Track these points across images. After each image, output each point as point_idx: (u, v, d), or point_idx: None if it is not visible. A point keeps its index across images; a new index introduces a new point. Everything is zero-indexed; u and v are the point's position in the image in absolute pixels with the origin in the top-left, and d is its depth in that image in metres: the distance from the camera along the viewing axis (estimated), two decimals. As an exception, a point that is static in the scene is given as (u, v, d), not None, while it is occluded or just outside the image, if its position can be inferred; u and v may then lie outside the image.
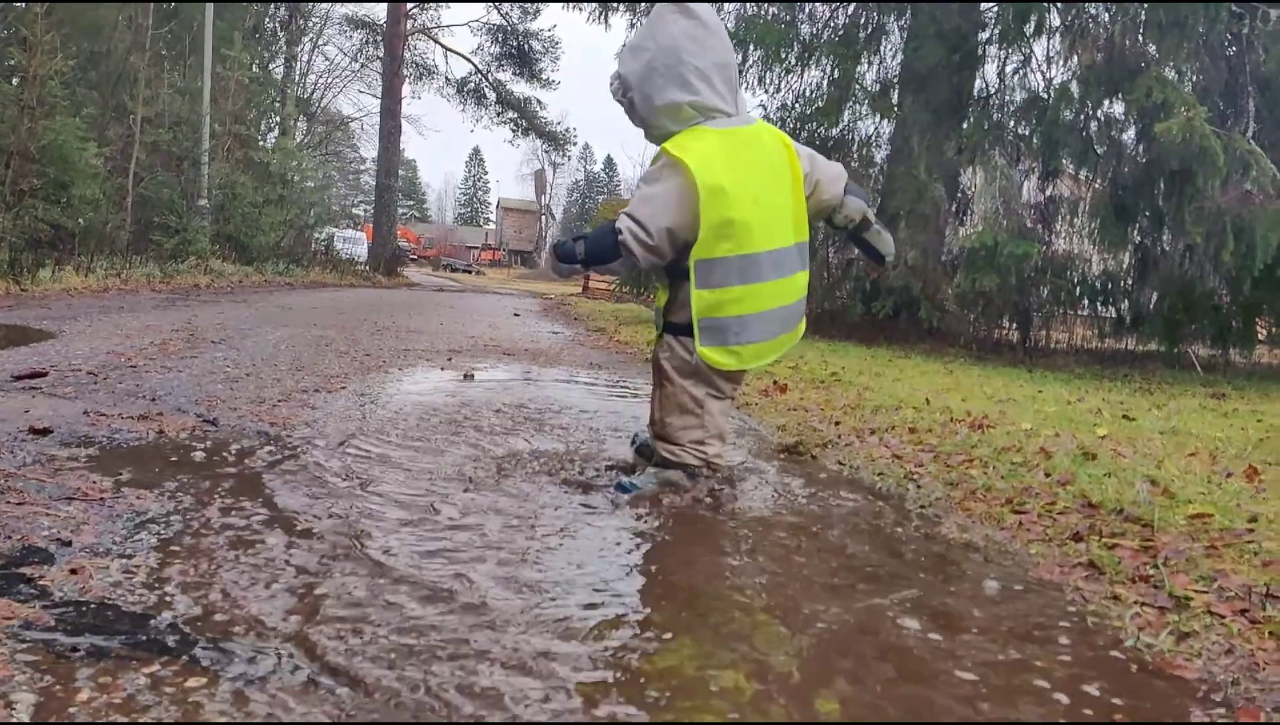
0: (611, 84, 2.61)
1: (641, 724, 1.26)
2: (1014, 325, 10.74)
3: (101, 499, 2.13)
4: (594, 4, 13.61)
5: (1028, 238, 9.25)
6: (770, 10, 11.77)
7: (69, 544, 1.81)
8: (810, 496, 2.68)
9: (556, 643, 1.50)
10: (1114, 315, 10.35)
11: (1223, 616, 1.68)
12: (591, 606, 1.68)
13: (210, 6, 15.45)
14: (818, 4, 11.87)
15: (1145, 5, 8.85)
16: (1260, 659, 1.52)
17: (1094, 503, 2.50)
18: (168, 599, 1.58)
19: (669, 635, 1.57)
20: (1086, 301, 10.38)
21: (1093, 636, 1.66)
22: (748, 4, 11.95)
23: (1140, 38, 9.17)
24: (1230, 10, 8.47)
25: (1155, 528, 2.23)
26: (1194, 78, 9.26)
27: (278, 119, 23.06)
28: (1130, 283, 9.98)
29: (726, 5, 12.19)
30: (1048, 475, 2.87)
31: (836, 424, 3.94)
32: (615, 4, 13.33)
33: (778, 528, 2.33)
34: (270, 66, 23.75)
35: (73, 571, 1.66)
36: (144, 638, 1.42)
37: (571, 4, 14.22)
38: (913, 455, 3.30)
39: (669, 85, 2.47)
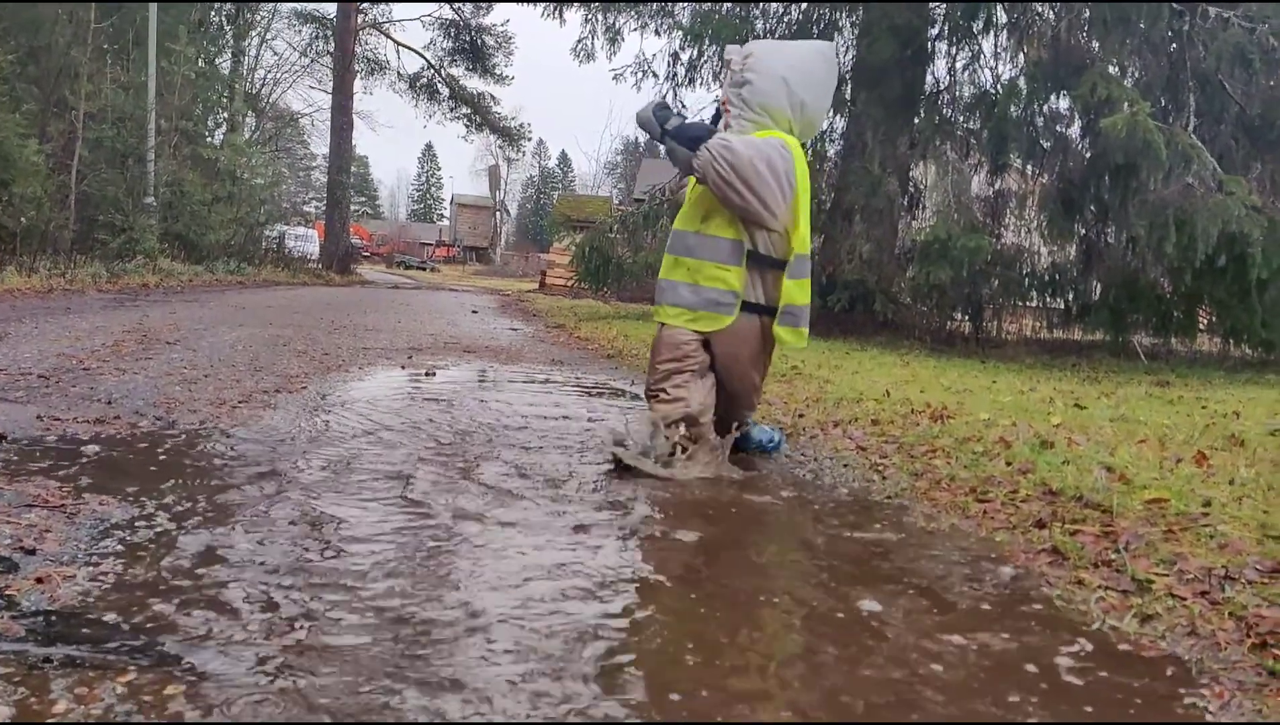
0: None
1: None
2: (966, 317, 10.93)
3: (62, 506, 2.08)
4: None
5: (979, 231, 9.40)
6: (725, 6, 11.81)
7: (33, 553, 1.77)
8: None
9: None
10: (1062, 306, 10.56)
11: (1184, 598, 1.74)
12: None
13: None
14: (772, 2, 11.93)
15: (1089, 3, 9.04)
16: (1221, 639, 1.57)
17: (1054, 490, 2.56)
18: (138, 606, 1.55)
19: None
20: (1035, 293, 10.58)
21: (1061, 620, 1.70)
22: (703, 3, 11.98)
23: (1085, 35, 9.37)
24: (1171, 7, 8.69)
25: (1114, 513, 2.29)
26: (1136, 74, 9.48)
27: (225, 115, 22.56)
28: (1077, 274, 10.20)
29: (681, 2, 12.22)
30: (1008, 464, 2.93)
31: (800, 417, 3.99)
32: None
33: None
34: (217, 61, 23.18)
35: (39, 580, 1.62)
36: (117, 646, 1.39)
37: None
38: (877, 447, 3.35)
39: None
